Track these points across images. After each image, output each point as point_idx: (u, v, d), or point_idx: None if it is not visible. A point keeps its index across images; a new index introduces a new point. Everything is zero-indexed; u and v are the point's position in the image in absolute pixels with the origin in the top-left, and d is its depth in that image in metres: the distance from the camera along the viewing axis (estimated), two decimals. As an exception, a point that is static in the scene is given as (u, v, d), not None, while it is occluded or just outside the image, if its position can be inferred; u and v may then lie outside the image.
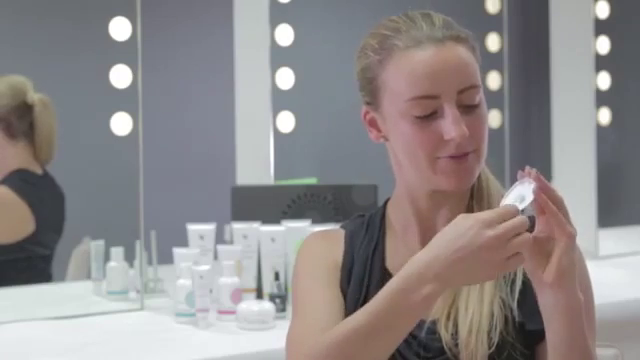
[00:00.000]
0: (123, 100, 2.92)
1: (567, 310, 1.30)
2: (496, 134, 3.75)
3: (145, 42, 2.78)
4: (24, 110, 2.97)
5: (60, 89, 3.04)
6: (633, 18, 4.03)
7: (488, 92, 3.81)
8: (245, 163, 3.23)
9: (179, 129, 3.87)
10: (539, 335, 1.41)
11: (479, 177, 1.51)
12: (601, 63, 3.75)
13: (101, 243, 2.83)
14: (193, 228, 2.66)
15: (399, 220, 1.56)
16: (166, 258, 2.72)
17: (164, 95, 3.68)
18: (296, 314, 1.52)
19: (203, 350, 2.22)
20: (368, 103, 1.51)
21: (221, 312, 2.46)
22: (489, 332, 1.41)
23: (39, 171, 2.98)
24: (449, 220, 1.32)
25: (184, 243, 2.65)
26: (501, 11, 3.79)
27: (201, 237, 2.64)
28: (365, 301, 1.48)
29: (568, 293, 1.30)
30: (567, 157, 3.68)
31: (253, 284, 2.59)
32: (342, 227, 1.61)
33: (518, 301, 1.43)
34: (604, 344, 1.70)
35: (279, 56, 3.38)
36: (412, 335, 1.45)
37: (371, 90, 1.49)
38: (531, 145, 4.50)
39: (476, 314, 1.41)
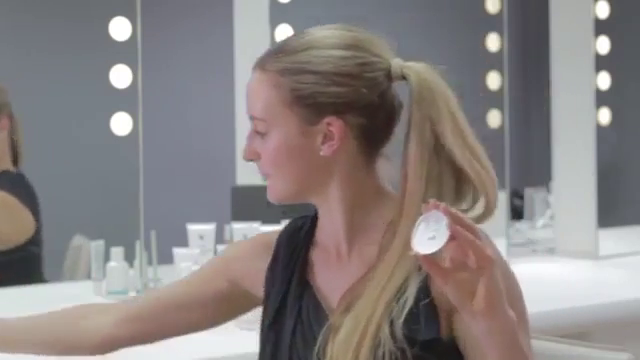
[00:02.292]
0: (123, 100, 2.92)
1: (503, 334, 1.29)
2: (496, 134, 3.75)
3: (145, 42, 2.78)
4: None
5: (60, 89, 3.04)
6: (633, 18, 4.03)
7: (488, 92, 3.82)
8: (245, 163, 3.20)
9: (179, 129, 3.86)
10: (434, 342, 1.42)
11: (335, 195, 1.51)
12: (601, 63, 3.75)
13: (101, 243, 2.83)
14: (193, 228, 2.66)
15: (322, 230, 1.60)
16: (166, 258, 2.72)
17: (164, 95, 3.68)
18: None
19: (203, 350, 2.21)
20: None
21: (221, 312, 2.46)
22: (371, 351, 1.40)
23: (15, 170, 2.97)
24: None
25: (184, 243, 2.65)
26: (501, 11, 3.79)
27: (201, 237, 2.64)
28: (281, 310, 1.53)
29: (500, 317, 1.28)
30: (567, 157, 3.68)
31: (253, 284, 2.59)
32: (283, 229, 1.62)
33: (406, 318, 1.41)
34: (616, 347, 1.69)
35: (279, 56, 3.37)
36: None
37: None
38: (531, 145, 4.50)
39: (354, 335, 1.41)
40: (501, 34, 3.80)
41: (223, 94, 3.50)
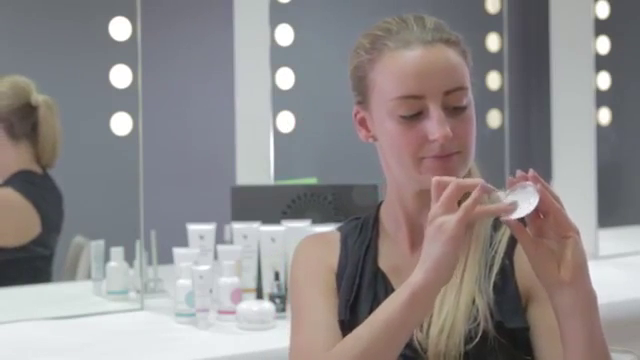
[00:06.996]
0: (123, 100, 2.92)
1: (587, 306, 1.31)
2: (496, 134, 3.75)
3: (145, 42, 2.78)
4: (27, 111, 2.96)
5: (60, 89, 3.04)
6: (633, 18, 4.03)
7: (488, 92, 3.81)
8: (245, 163, 3.23)
9: (179, 129, 3.87)
10: (521, 333, 1.43)
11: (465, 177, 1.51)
12: (601, 63, 3.75)
13: (101, 243, 2.83)
14: (193, 228, 2.66)
15: (390, 221, 1.57)
16: (166, 258, 2.72)
17: (164, 95, 3.68)
18: (298, 326, 1.51)
19: (203, 350, 2.22)
20: (359, 102, 1.53)
21: (221, 312, 2.47)
22: (466, 332, 1.41)
23: (40, 171, 2.97)
24: None
25: (184, 243, 2.65)
26: (501, 11, 3.79)
27: (201, 237, 2.64)
28: (356, 301, 1.51)
29: (586, 289, 1.32)
30: (567, 157, 3.68)
31: (253, 284, 2.59)
32: (338, 229, 1.62)
33: (495, 300, 1.43)
34: (620, 349, 1.70)
35: (279, 56, 3.38)
36: None
37: (361, 89, 1.51)
38: (531, 145, 4.50)
39: (450, 314, 1.42)
40: (501, 34, 3.80)
41: (223, 94, 3.50)
